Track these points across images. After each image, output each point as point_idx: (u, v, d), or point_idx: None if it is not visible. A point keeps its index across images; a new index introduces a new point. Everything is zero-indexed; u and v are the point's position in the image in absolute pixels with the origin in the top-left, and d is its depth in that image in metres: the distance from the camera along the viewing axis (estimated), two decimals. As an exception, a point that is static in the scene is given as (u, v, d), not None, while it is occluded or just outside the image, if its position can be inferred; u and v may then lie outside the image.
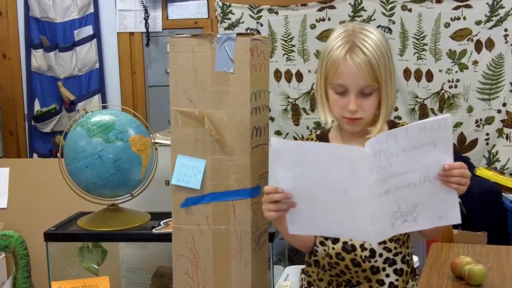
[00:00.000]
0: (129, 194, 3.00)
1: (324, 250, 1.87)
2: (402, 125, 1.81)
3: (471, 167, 4.27)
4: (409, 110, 4.48)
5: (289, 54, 4.62)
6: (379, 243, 1.79)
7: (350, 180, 1.55)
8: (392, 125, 1.86)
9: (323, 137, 1.90)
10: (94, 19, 4.91)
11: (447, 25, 4.35)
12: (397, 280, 1.83)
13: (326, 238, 1.87)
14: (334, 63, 1.73)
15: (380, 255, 1.82)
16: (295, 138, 4.59)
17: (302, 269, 2.00)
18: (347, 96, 1.73)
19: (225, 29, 4.66)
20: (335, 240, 1.84)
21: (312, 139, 1.93)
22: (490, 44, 4.32)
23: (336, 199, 1.59)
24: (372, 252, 1.81)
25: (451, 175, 1.58)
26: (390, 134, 1.54)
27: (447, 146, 1.58)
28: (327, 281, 1.89)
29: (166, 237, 2.66)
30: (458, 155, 4.37)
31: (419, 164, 1.56)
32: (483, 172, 4.18)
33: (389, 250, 1.83)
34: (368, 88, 1.72)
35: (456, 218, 1.62)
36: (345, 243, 1.83)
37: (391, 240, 1.82)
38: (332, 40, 1.77)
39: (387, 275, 1.83)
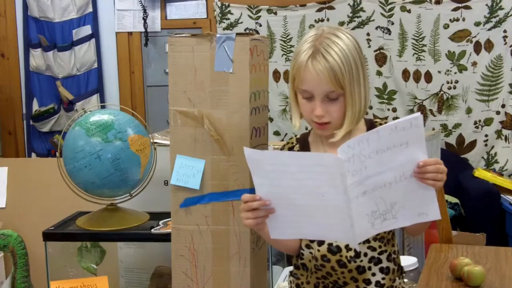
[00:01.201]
0: (128, 194, 3.00)
1: (310, 253, 1.87)
2: (381, 124, 1.81)
3: (470, 169, 4.28)
4: (408, 111, 4.49)
5: (287, 54, 4.62)
6: (364, 243, 1.80)
7: (326, 185, 1.56)
8: (371, 124, 1.85)
9: (303, 140, 1.90)
10: (92, 18, 4.91)
11: (446, 26, 4.35)
12: (383, 278, 1.83)
13: (312, 241, 1.86)
14: (298, 68, 1.73)
15: (365, 254, 1.82)
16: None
17: (291, 272, 1.99)
18: (313, 101, 1.73)
19: (224, 29, 4.66)
20: (320, 242, 1.84)
21: (292, 143, 1.93)
22: (489, 45, 4.32)
23: (314, 203, 1.60)
24: (357, 252, 1.81)
25: (426, 172, 1.58)
26: (361, 138, 1.53)
27: (420, 144, 1.57)
28: (313, 284, 1.89)
29: (165, 237, 2.65)
30: (457, 156, 4.38)
31: (394, 164, 1.56)
32: (481, 173, 4.18)
33: (374, 249, 1.83)
34: (333, 94, 1.71)
35: (435, 214, 1.62)
36: (330, 244, 1.83)
37: (375, 239, 1.82)
38: (300, 44, 1.76)
39: (373, 274, 1.83)
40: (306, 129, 1.92)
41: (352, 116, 1.73)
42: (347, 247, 1.82)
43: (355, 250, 1.81)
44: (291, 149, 1.91)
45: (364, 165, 1.53)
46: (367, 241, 1.81)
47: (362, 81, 1.73)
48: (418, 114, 1.54)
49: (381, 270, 1.83)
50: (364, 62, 1.77)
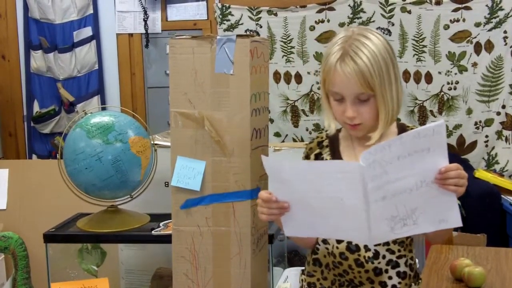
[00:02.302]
0: (129, 196, 3.00)
1: (326, 248, 1.88)
2: (412, 129, 1.80)
3: (470, 169, 4.27)
4: (408, 112, 4.48)
5: (288, 55, 4.62)
6: (383, 245, 1.81)
7: (345, 190, 1.57)
8: (402, 128, 1.85)
9: (333, 135, 1.90)
10: (93, 20, 4.91)
11: (446, 27, 4.35)
12: (399, 283, 1.83)
13: None
14: (328, 70, 1.74)
15: (384, 256, 1.82)
16: (294, 140, 4.59)
17: (302, 270, 1.99)
18: (344, 102, 1.74)
19: (224, 30, 4.66)
20: (339, 240, 1.84)
21: (322, 138, 1.93)
22: (489, 46, 4.32)
23: (331, 206, 1.61)
24: (376, 253, 1.81)
25: (448, 177, 1.57)
26: (384, 145, 1.54)
27: (442, 150, 1.57)
28: (330, 280, 1.89)
29: (165, 239, 2.66)
30: (457, 157, 4.37)
31: (415, 170, 1.56)
32: (482, 174, 4.17)
33: (393, 252, 1.83)
34: (363, 95, 1.72)
35: (456, 221, 1.61)
36: (349, 242, 1.83)
37: (395, 242, 1.82)
38: (330, 45, 1.77)
39: (390, 277, 1.83)
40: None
41: (386, 117, 1.74)
42: (366, 247, 1.82)
43: (374, 251, 1.81)
44: (320, 143, 1.91)
45: (385, 170, 1.54)
46: (387, 243, 1.81)
47: (393, 81, 1.74)
48: (442, 121, 1.54)
49: (398, 274, 1.83)
50: (396, 62, 1.78)
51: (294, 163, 1.67)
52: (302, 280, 1.98)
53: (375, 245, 1.80)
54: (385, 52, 1.73)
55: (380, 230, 1.60)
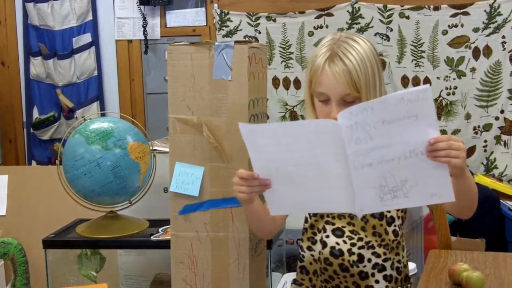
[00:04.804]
0: (128, 201, 3.01)
1: (312, 255, 1.87)
2: None
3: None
4: (407, 117, 4.48)
5: (287, 61, 4.63)
6: (368, 248, 1.80)
7: (323, 153, 1.54)
8: None
9: None
10: (92, 26, 4.92)
11: (444, 32, 4.36)
12: (387, 286, 1.83)
13: (314, 243, 1.87)
14: (315, 71, 1.76)
15: (369, 260, 1.82)
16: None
17: (294, 280, 1.99)
18: (329, 104, 1.74)
19: (223, 36, 4.67)
20: (323, 245, 1.84)
21: None
22: (487, 51, 4.33)
23: (312, 174, 1.58)
24: (360, 256, 1.81)
25: (438, 149, 1.49)
26: (365, 105, 1.49)
27: (431, 119, 1.49)
28: (319, 287, 1.89)
29: (164, 244, 2.66)
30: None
31: (402, 138, 1.49)
32: (481, 179, 4.18)
33: (378, 256, 1.82)
34: (349, 97, 1.72)
35: (448, 195, 1.53)
36: (332, 247, 1.83)
37: (379, 245, 1.82)
38: (317, 48, 1.80)
39: (377, 281, 1.82)
40: None
41: None
42: (350, 251, 1.82)
43: (358, 255, 1.81)
44: None
45: (369, 134, 1.49)
46: (372, 247, 1.81)
47: (378, 86, 1.75)
48: (427, 86, 1.47)
49: (385, 277, 1.83)
50: (380, 68, 1.78)
51: (267, 125, 1.65)
52: None
53: (359, 249, 1.80)
54: (372, 56, 1.75)
55: (367, 199, 1.55)
